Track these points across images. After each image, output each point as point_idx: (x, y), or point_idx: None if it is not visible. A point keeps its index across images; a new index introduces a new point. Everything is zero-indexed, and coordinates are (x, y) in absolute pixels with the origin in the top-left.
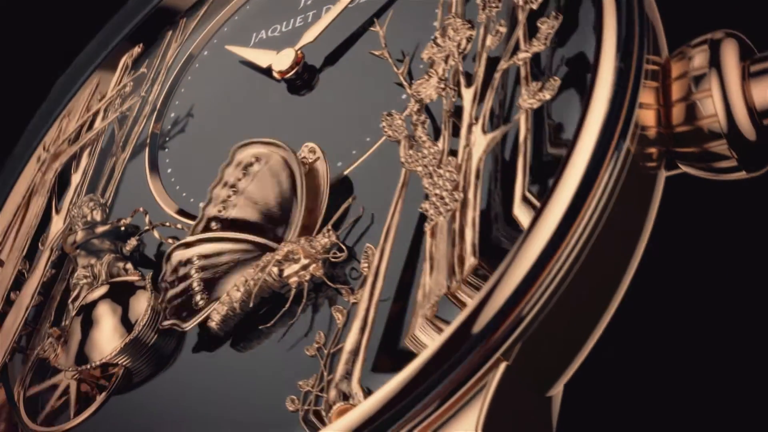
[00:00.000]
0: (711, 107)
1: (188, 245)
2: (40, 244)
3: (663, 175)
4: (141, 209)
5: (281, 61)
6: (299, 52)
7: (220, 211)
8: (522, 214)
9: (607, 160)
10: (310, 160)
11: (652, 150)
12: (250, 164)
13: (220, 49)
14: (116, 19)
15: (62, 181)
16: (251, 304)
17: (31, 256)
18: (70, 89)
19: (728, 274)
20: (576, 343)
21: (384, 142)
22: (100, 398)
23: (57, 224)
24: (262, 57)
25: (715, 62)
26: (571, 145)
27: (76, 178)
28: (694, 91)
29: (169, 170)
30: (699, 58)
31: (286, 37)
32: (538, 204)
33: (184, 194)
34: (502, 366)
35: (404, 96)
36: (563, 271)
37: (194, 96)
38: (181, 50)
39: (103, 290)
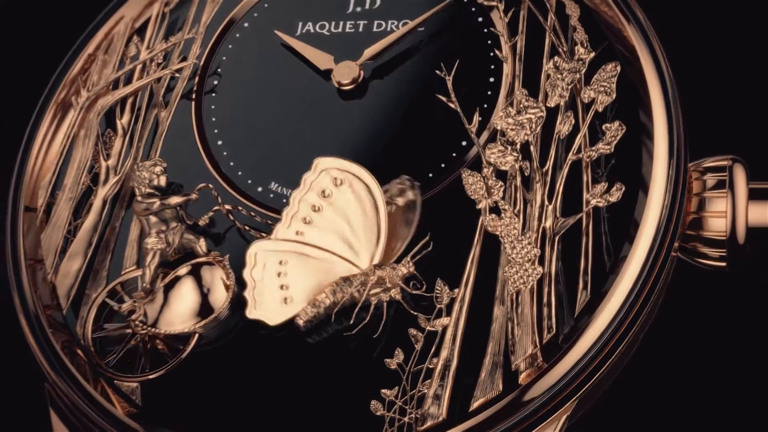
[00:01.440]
0: (722, 226)
1: (276, 243)
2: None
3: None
4: (210, 186)
5: (343, 72)
6: (360, 67)
7: (306, 221)
8: (585, 297)
9: (665, 260)
10: (406, 199)
11: (676, 244)
12: (337, 184)
13: (263, 26)
14: None
15: (106, 126)
16: (337, 312)
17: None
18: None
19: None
20: (598, 392)
21: (450, 181)
22: (177, 358)
23: (108, 174)
24: (319, 58)
25: (730, 188)
26: (632, 242)
27: (121, 126)
28: (708, 209)
29: (219, 142)
30: (713, 182)
31: (336, 40)
32: (601, 293)
33: (239, 173)
34: (564, 417)
35: (465, 143)
36: (618, 349)
37: (237, 68)
38: (218, 13)
39: (188, 268)
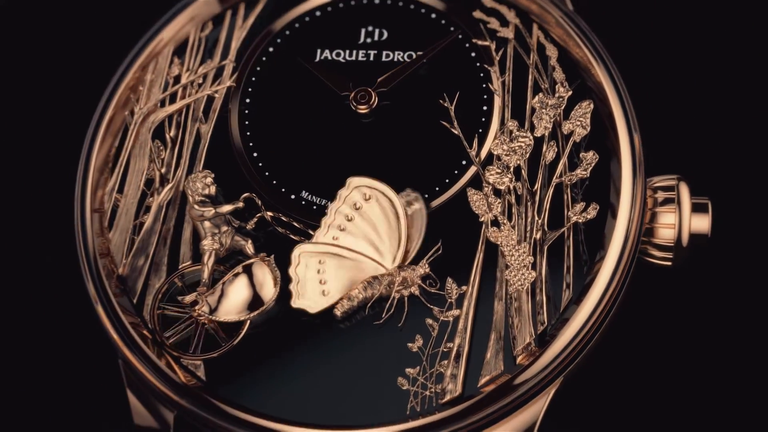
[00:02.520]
0: (671, 235)
1: (316, 246)
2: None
3: None
4: (253, 195)
5: (359, 97)
6: (375, 93)
7: (341, 229)
8: (568, 295)
9: (629, 265)
10: (413, 209)
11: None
12: (366, 199)
13: (286, 51)
14: None
15: (155, 139)
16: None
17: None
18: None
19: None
20: (581, 370)
21: (454, 194)
22: (232, 341)
23: (163, 181)
24: (339, 83)
25: (678, 203)
26: (603, 253)
27: (170, 139)
28: (659, 222)
29: (255, 154)
30: (663, 198)
31: (349, 67)
32: (581, 292)
33: (274, 182)
34: (553, 391)
35: (464, 162)
36: (597, 336)
37: (265, 89)
38: (246, 38)
39: (243, 267)
